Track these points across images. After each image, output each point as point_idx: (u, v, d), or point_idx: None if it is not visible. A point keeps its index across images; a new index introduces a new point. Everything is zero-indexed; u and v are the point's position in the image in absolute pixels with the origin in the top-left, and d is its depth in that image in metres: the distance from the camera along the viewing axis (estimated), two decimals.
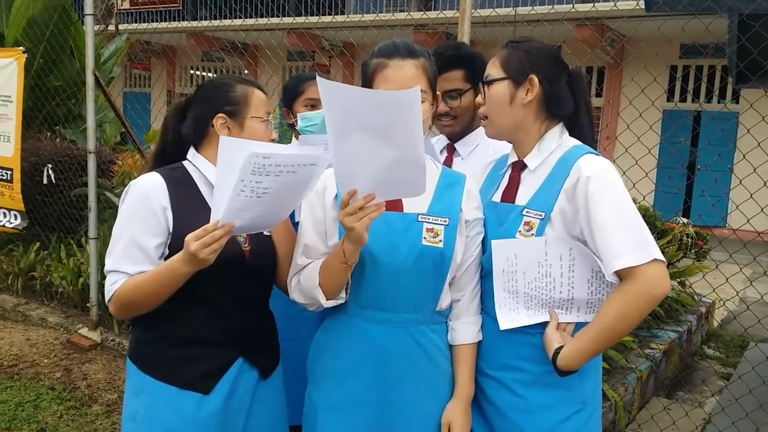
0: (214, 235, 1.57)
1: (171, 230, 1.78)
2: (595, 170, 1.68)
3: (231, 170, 1.51)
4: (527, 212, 1.76)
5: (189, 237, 1.59)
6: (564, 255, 1.72)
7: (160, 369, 1.82)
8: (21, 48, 5.03)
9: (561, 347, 1.68)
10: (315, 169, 1.62)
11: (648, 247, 1.59)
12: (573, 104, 1.83)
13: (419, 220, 1.76)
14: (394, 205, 1.76)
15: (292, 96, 2.58)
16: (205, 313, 1.81)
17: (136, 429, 1.83)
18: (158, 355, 1.84)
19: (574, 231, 1.71)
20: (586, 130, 1.85)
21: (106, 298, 1.79)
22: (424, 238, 1.74)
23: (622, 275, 1.61)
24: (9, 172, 5.10)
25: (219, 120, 1.86)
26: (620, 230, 1.61)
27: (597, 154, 1.75)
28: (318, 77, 1.51)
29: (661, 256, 1.60)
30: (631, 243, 1.59)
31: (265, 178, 1.52)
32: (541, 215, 1.73)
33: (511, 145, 2.36)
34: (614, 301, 1.62)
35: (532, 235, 1.74)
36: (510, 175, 1.88)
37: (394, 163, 1.52)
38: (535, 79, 1.78)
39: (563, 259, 1.72)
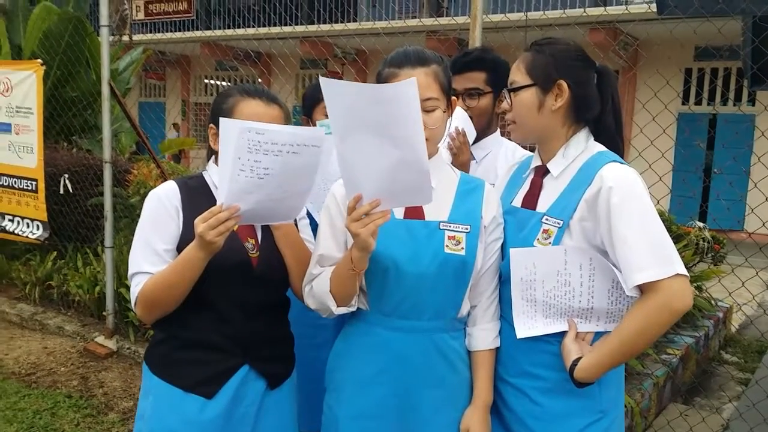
0: (219, 218, 1.58)
1: (180, 232, 1.81)
2: (618, 180, 1.63)
3: (231, 151, 1.52)
4: (546, 220, 1.73)
5: (197, 219, 1.61)
6: (584, 264, 1.68)
7: (166, 370, 1.85)
8: (39, 60, 5.10)
9: (579, 359, 1.65)
10: (319, 152, 1.62)
11: (672, 261, 1.55)
12: (600, 104, 1.79)
13: (441, 227, 1.75)
14: (416, 213, 1.76)
15: (311, 104, 2.58)
16: (213, 318, 1.82)
17: (143, 427, 1.86)
18: (166, 357, 1.86)
19: (595, 241, 1.67)
20: (612, 130, 1.80)
21: (132, 302, 1.81)
22: (447, 246, 1.73)
23: (643, 289, 1.58)
24: (34, 183, 5.17)
25: (211, 131, 1.89)
26: (642, 244, 1.56)
27: (622, 163, 1.71)
28: (321, 78, 1.51)
29: (684, 271, 1.56)
30: (653, 257, 1.55)
31: (263, 157, 1.53)
32: (559, 223, 1.70)
33: (521, 153, 2.35)
34: (634, 314, 1.59)
35: (550, 243, 1.71)
36: (532, 179, 1.86)
37: (396, 164, 1.52)
38: (564, 85, 1.74)
39: (583, 268, 1.68)
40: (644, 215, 1.60)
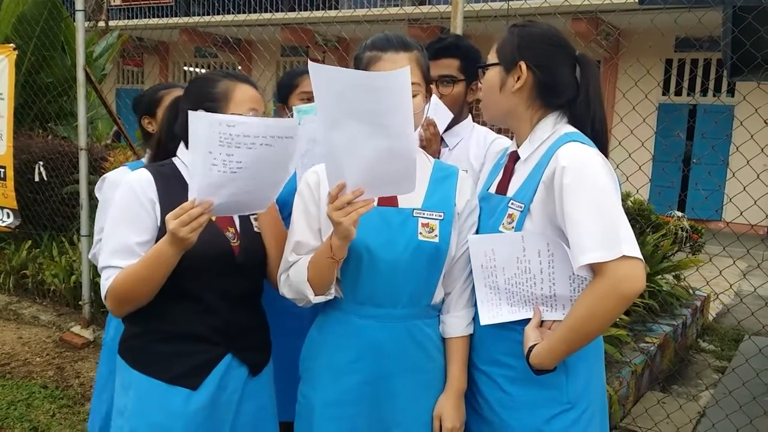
0: (192, 214, 1.55)
1: (159, 224, 1.77)
2: (571, 160, 1.59)
3: (201, 145, 1.48)
4: (512, 204, 1.73)
5: (168, 216, 1.58)
6: (542, 250, 1.67)
7: (147, 364, 1.81)
8: (12, 45, 4.99)
9: (535, 345, 1.64)
10: (292, 143, 1.59)
11: (619, 242, 1.50)
12: (575, 92, 1.75)
13: (414, 215, 1.75)
14: (389, 201, 1.75)
15: (287, 91, 2.55)
16: (193, 308, 1.80)
17: (124, 424, 1.82)
18: (146, 350, 1.83)
19: (557, 222, 1.65)
20: (586, 119, 1.74)
21: (102, 295, 1.77)
22: (420, 233, 1.73)
23: (594, 271, 1.55)
24: (2, 170, 5.08)
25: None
26: (590, 224, 1.52)
27: (582, 142, 1.67)
28: (309, 62, 1.48)
29: (633, 253, 1.50)
30: (599, 238, 1.51)
31: (235, 150, 1.50)
32: (521, 207, 1.70)
33: (492, 138, 2.37)
34: (583, 298, 1.56)
35: (513, 227, 1.70)
36: (505, 165, 1.85)
37: (384, 153, 1.50)
38: (524, 67, 1.71)
39: (542, 254, 1.67)
40: (595, 195, 1.56)
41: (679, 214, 6.37)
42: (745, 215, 3.66)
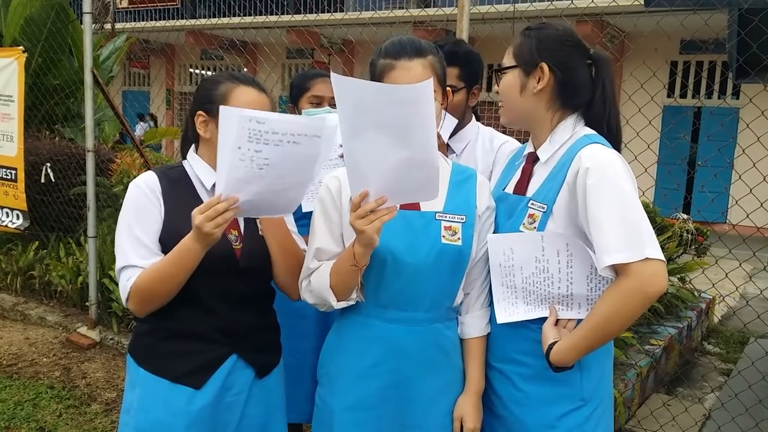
0: (218, 209, 1.56)
1: (163, 221, 1.78)
2: (595, 162, 1.62)
3: (231, 140, 1.49)
4: (532, 204, 1.74)
5: (194, 211, 1.59)
6: (561, 250, 1.68)
7: (153, 362, 1.83)
8: (21, 48, 5.02)
9: (555, 342, 1.66)
10: (320, 142, 1.59)
11: (642, 244, 1.53)
12: (592, 92, 1.76)
13: (437, 218, 1.75)
14: (412, 204, 1.75)
15: (297, 93, 2.58)
16: (199, 309, 1.80)
17: (129, 421, 1.84)
18: (152, 348, 1.84)
19: (579, 223, 1.67)
20: (600, 118, 1.77)
21: (123, 296, 1.77)
22: (443, 236, 1.73)
23: (618, 271, 1.57)
24: (13, 172, 5.10)
25: (199, 118, 1.85)
26: (614, 226, 1.55)
27: (604, 144, 1.70)
28: (332, 74, 1.48)
29: (656, 255, 1.53)
30: (623, 240, 1.54)
31: (264, 146, 1.51)
32: (543, 208, 1.71)
33: (498, 140, 2.36)
34: (607, 297, 1.59)
35: (535, 228, 1.71)
36: (523, 166, 1.86)
37: (406, 163, 1.50)
38: (546, 68, 1.73)
39: (561, 254, 1.69)
40: (619, 197, 1.58)
41: (685, 216, 6.36)
42: (751, 218, 3.65)
